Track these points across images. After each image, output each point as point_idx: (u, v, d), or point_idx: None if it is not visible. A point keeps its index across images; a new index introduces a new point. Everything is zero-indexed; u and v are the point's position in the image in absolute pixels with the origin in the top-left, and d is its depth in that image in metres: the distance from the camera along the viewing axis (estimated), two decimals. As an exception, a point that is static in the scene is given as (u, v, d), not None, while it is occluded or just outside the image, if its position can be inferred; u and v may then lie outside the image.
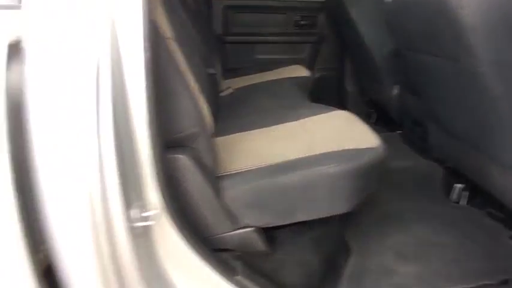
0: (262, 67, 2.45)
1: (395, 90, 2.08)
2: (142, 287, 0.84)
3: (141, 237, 0.84)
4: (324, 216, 1.18)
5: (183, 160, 1.00)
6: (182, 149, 1.02)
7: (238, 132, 1.41)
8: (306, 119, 1.41)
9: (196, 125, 1.04)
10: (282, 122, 1.42)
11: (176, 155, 0.99)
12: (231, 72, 2.46)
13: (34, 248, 0.75)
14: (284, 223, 1.18)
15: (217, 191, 1.08)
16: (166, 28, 1.01)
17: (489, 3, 0.95)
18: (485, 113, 1.14)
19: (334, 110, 1.47)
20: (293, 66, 2.41)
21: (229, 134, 1.40)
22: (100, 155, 0.72)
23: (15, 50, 0.69)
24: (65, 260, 0.75)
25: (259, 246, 1.17)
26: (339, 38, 2.64)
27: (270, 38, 2.66)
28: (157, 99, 0.81)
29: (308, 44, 2.71)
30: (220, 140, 1.34)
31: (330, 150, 1.17)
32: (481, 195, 1.52)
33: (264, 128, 1.40)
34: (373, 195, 1.26)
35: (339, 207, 1.16)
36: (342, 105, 2.44)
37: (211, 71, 1.83)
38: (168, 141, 0.97)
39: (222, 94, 2.10)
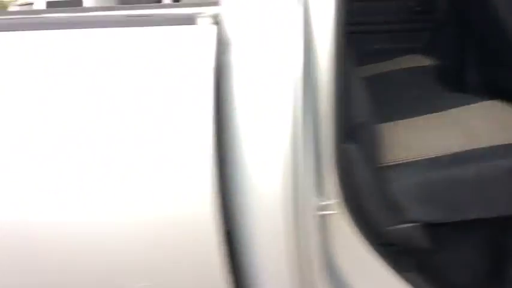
0: (376, 57, 2.32)
1: None
2: (320, 277, 0.83)
3: (320, 226, 0.83)
4: (501, 214, 1.06)
5: (353, 150, 0.97)
6: (351, 139, 0.98)
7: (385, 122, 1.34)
8: (455, 109, 1.29)
9: (364, 114, 1.01)
10: (430, 112, 1.31)
11: (347, 146, 0.96)
12: None
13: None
14: (456, 220, 1.09)
15: (383, 182, 1.03)
16: None
17: None
18: None
19: (483, 100, 1.33)
20: (409, 56, 2.22)
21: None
22: (295, 135, 0.72)
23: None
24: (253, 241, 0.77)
25: (424, 243, 1.10)
26: (458, 25, 2.37)
27: (381, 27, 2.47)
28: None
29: (424, 31, 2.46)
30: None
31: (496, 143, 1.08)
32: None
33: (415, 118, 1.30)
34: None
35: None
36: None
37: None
38: None
39: None
